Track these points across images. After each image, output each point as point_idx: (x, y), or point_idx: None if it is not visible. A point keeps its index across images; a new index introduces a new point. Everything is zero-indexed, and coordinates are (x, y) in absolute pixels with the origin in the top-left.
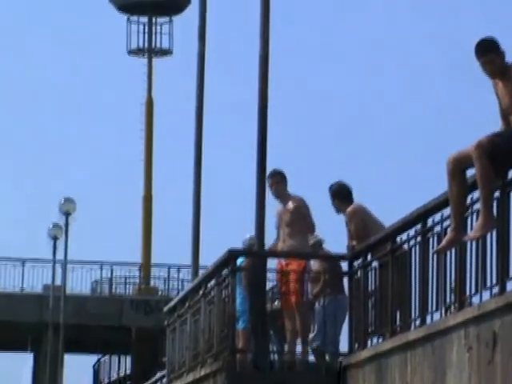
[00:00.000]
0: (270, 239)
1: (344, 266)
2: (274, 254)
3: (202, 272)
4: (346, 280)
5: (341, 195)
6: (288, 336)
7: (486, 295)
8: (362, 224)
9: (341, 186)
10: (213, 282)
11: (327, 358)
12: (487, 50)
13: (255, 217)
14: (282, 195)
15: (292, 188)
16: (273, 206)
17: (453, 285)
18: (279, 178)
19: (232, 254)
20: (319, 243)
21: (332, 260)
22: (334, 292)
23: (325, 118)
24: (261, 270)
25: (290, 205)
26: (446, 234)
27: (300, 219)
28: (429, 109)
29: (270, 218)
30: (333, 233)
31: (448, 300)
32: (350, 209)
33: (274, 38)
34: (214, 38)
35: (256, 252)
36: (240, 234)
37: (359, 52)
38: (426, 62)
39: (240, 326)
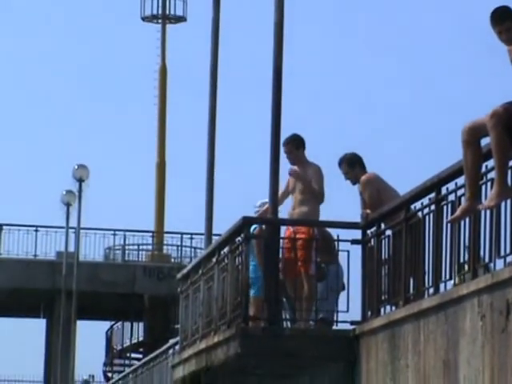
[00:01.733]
0: (282, 207)
1: (358, 234)
2: (286, 221)
3: (215, 239)
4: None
5: (358, 163)
6: (296, 304)
7: (499, 264)
8: (376, 193)
9: (355, 155)
10: (226, 250)
11: (337, 326)
12: (504, 17)
13: (269, 184)
14: (300, 162)
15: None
16: (287, 172)
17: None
18: (297, 144)
19: (246, 222)
20: None
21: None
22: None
23: (340, 87)
24: (274, 237)
25: (307, 172)
26: (460, 203)
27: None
28: (444, 76)
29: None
30: (344, 203)
31: (462, 264)
32: (364, 177)
33: (288, 4)
34: (228, 3)
35: (269, 219)
36: (254, 202)
37: (377, 24)
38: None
39: (252, 293)
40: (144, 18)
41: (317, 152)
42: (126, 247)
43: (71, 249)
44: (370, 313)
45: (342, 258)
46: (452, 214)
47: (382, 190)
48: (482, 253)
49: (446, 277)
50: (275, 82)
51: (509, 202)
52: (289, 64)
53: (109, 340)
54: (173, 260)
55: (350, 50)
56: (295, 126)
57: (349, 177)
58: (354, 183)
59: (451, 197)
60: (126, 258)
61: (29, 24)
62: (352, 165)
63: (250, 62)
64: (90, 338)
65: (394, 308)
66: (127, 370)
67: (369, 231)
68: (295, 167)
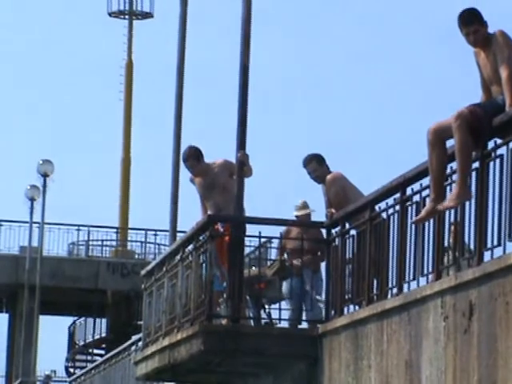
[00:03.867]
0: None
1: (322, 233)
2: (251, 219)
3: (179, 236)
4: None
5: (325, 161)
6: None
7: (463, 265)
8: (341, 191)
9: (318, 155)
10: (191, 247)
11: (304, 324)
12: (471, 20)
13: (236, 183)
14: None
15: (268, 155)
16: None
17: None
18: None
19: (210, 219)
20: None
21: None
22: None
23: (304, 84)
24: (238, 235)
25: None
26: (424, 203)
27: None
28: (411, 77)
29: (248, 183)
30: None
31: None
32: (330, 176)
33: (256, 0)
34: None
35: (234, 217)
36: None
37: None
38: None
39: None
40: (111, 14)
41: (286, 151)
42: (90, 243)
43: (35, 243)
44: (333, 312)
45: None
46: (417, 214)
47: (347, 189)
48: (445, 254)
49: (409, 277)
50: (242, 79)
51: (473, 203)
52: (255, 61)
53: (71, 335)
54: (137, 256)
55: (317, 48)
56: (261, 122)
57: (317, 174)
58: (319, 182)
59: (416, 197)
60: (90, 254)
61: None
62: (320, 162)
63: (217, 58)
64: (53, 333)
65: (357, 308)
66: (89, 365)
67: (333, 230)
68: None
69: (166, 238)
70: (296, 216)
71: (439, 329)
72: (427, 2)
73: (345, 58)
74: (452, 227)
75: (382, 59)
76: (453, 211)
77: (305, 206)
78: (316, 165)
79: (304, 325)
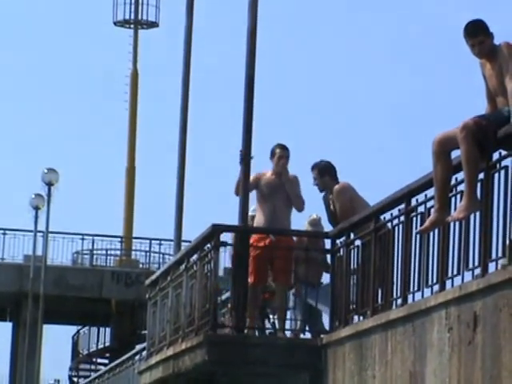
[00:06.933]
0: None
1: (327, 243)
2: (255, 229)
3: (184, 246)
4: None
5: (332, 171)
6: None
7: (467, 276)
8: (349, 202)
9: (330, 163)
10: (195, 257)
11: (308, 335)
12: (477, 31)
13: (240, 190)
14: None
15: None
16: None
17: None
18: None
19: (215, 229)
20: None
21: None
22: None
23: (310, 97)
24: (243, 245)
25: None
26: (429, 214)
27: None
28: (418, 87)
29: (254, 192)
30: (314, 210)
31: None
32: (337, 186)
33: (262, 11)
34: (202, 10)
35: (238, 227)
36: (224, 209)
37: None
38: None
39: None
40: (116, 23)
41: (292, 160)
42: (94, 252)
43: (39, 252)
44: (337, 322)
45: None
46: (421, 225)
47: (353, 200)
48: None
49: (414, 288)
50: (247, 90)
51: (478, 214)
52: (261, 71)
53: (75, 344)
54: (141, 266)
55: (323, 60)
56: (267, 133)
57: (317, 183)
58: (320, 190)
59: (421, 208)
60: (94, 263)
61: None
62: (322, 173)
63: (222, 68)
64: (57, 343)
65: (361, 318)
66: (93, 375)
67: (338, 241)
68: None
69: (171, 247)
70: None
71: (444, 340)
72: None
73: (350, 64)
74: None
75: (388, 66)
76: (457, 222)
77: (317, 223)
78: (317, 174)
79: (308, 335)
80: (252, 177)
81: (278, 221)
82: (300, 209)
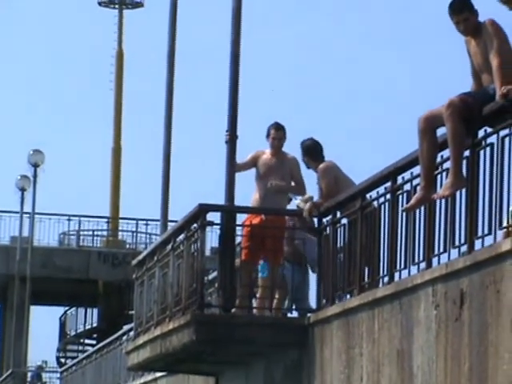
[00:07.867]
0: (238, 194)
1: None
2: (243, 209)
3: (170, 226)
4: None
5: (313, 152)
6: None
7: (454, 253)
8: (333, 181)
9: (313, 143)
10: (182, 236)
11: (295, 313)
12: (462, 8)
13: (225, 171)
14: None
15: (260, 143)
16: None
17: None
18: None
19: (202, 209)
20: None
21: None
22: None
23: (296, 69)
24: (230, 225)
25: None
26: (415, 192)
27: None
28: (404, 65)
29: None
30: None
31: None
32: (321, 166)
33: None
34: None
35: (225, 207)
36: (210, 188)
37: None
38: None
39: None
40: (101, 3)
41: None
42: (81, 233)
43: (25, 234)
44: (324, 301)
45: (298, 246)
46: (407, 203)
47: (339, 179)
48: (436, 242)
49: (400, 266)
50: (233, 68)
51: (463, 192)
52: (246, 50)
53: (62, 326)
54: (128, 246)
55: (306, 36)
56: (252, 112)
57: (303, 160)
58: (307, 167)
59: (407, 186)
60: (81, 244)
61: None
62: (303, 153)
63: (208, 47)
64: (44, 324)
65: (348, 296)
66: (81, 356)
67: (324, 219)
68: None
69: (157, 227)
70: (297, 206)
71: (430, 317)
72: None
73: (337, 44)
74: None
75: (375, 47)
76: (443, 200)
77: (310, 200)
78: (304, 154)
79: (295, 314)
80: (251, 155)
81: (273, 200)
82: (302, 194)
